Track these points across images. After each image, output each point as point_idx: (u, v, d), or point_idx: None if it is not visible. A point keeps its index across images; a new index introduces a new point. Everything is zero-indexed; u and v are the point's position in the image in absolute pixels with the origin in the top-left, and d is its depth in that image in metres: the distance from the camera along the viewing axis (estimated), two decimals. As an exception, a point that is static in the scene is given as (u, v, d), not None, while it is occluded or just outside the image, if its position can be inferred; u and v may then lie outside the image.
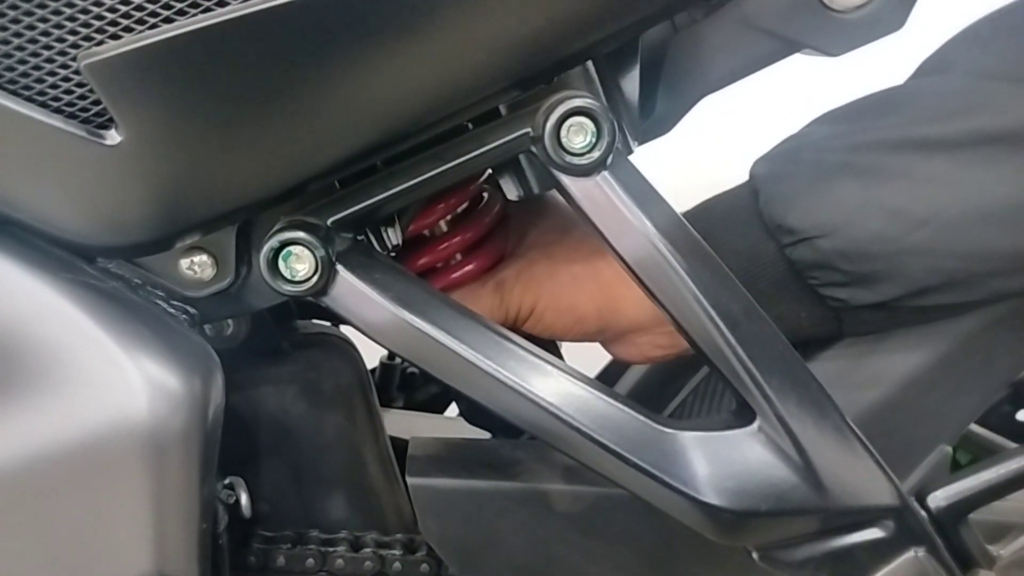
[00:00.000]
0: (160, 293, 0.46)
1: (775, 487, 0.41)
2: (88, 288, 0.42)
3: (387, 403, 0.79)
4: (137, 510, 0.43)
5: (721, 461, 0.41)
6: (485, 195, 0.57)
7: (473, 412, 0.62)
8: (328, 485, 0.56)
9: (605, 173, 0.43)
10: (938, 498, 0.45)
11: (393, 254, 0.51)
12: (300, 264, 0.43)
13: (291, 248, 0.43)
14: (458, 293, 0.51)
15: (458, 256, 0.55)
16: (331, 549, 0.53)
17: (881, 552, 0.43)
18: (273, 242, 0.42)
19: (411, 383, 0.80)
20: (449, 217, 0.55)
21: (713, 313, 0.41)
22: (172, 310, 0.46)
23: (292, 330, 0.60)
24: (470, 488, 0.50)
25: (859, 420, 0.44)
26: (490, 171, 0.48)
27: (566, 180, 0.43)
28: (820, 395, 0.42)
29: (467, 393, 0.43)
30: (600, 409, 0.42)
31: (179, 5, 0.35)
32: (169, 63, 0.35)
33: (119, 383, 0.42)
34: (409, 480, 0.50)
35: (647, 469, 0.41)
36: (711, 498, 0.41)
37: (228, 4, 0.35)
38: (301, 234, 0.42)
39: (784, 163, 0.46)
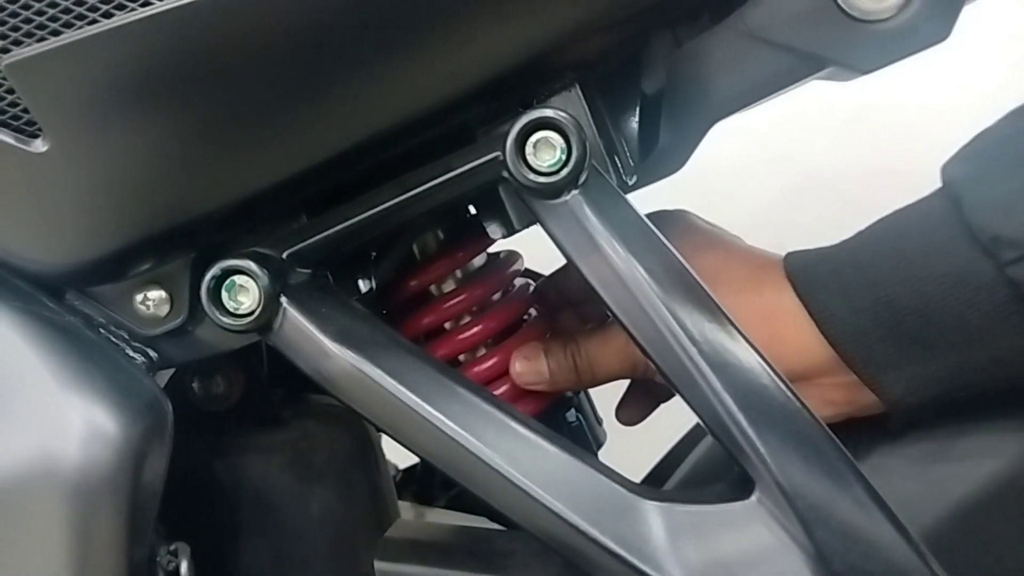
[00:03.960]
0: (123, 334, 0.43)
1: (775, 579, 0.32)
2: (36, 318, 0.40)
3: (427, 501, 0.72)
4: (56, 561, 0.39)
5: (707, 544, 0.33)
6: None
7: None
8: (310, 571, 0.50)
9: (577, 194, 0.37)
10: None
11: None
12: (245, 296, 0.40)
13: (235, 278, 0.39)
14: None
15: (466, 318, 0.51)
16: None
17: None
18: (215, 269, 0.39)
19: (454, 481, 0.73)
20: (459, 275, 0.52)
21: (694, 352, 0.34)
22: (132, 353, 0.43)
23: (301, 402, 0.57)
24: (445, 579, 0.43)
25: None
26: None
27: (536, 205, 0.38)
28: (835, 457, 0.32)
29: (403, 442, 0.37)
30: (555, 467, 0.34)
31: (105, 7, 0.34)
32: (90, 63, 0.34)
33: (48, 417, 0.39)
34: (376, 565, 0.44)
35: (606, 544, 0.33)
36: (690, 590, 0.32)
37: (152, 3, 0.34)
38: (246, 263, 0.39)
39: (985, 162, 0.38)
